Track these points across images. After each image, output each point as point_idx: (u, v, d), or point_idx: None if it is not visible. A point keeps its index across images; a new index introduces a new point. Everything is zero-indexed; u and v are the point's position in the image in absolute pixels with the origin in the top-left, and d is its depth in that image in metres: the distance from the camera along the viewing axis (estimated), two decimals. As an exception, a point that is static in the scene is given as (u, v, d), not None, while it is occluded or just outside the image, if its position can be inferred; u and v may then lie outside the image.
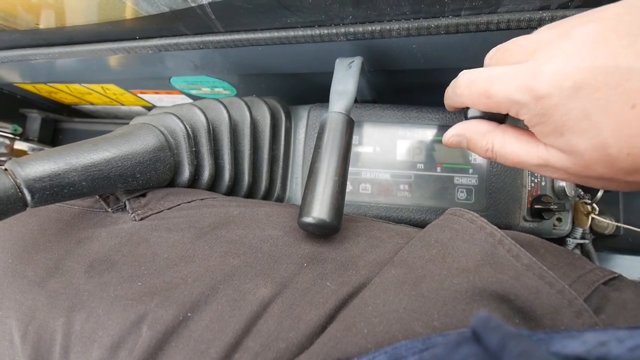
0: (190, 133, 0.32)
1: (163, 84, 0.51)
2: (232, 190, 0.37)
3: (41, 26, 0.38)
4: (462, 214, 0.26)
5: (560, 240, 0.42)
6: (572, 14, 0.27)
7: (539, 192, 0.38)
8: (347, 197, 0.38)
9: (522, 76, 0.21)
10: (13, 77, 0.53)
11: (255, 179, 0.38)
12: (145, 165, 0.29)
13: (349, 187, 0.39)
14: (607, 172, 0.20)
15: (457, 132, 0.27)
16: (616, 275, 0.24)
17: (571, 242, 0.41)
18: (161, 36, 0.37)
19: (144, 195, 0.31)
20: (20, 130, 0.65)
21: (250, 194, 0.39)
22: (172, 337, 0.22)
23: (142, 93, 0.56)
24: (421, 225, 0.34)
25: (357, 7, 0.29)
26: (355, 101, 0.40)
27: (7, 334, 0.26)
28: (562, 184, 0.38)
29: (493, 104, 0.23)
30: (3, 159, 0.61)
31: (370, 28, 0.31)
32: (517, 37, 0.23)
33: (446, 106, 0.28)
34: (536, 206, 0.37)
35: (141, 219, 0.29)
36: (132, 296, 0.24)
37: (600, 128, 0.19)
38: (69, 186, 0.25)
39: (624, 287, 0.23)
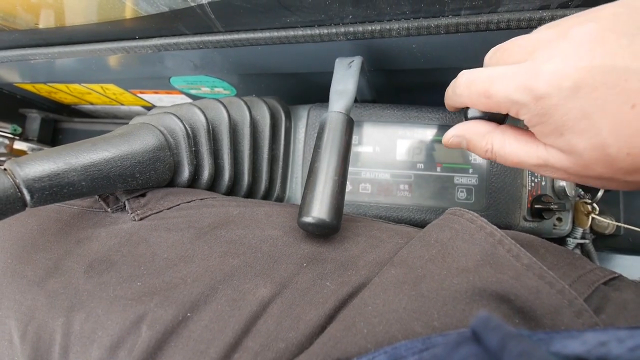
0: (190, 133, 0.32)
1: (163, 84, 0.51)
2: (232, 190, 0.37)
3: (41, 26, 0.38)
4: (462, 214, 0.26)
5: (561, 240, 0.42)
6: (572, 14, 0.27)
7: (539, 192, 0.38)
8: (347, 197, 0.38)
9: (522, 76, 0.21)
10: (13, 77, 0.53)
11: (255, 178, 0.38)
12: (144, 165, 0.29)
13: (348, 187, 0.39)
14: (607, 171, 0.20)
15: (457, 132, 0.27)
16: (616, 275, 0.24)
17: (571, 242, 0.41)
18: (161, 36, 0.37)
19: (143, 195, 0.31)
20: (19, 130, 0.65)
21: (250, 193, 0.39)
22: (172, 337, 0.22)
23: (141, 93, 0.56)
24: (421, 225, 0.34)
25: (357, 6, 0.29)
26: (355, 101, 0.40)
27: (7, 334, 0.26)
28: (562, 183, 0.38)
29: (493, 104, 0.23)
30: (2, 158, 0.61)
31: (370, 28, 0.31)
32: (516, 37, 0.23)
33: (446, 106, 0.28)
34: (536, 206, 0.37)
35: (141, 219, 0.29)
36: (132, 296, 0.24)
37: (600, 128, 0.19)
38: (69, 186, 0.25)
39: (624, 287, 0.23)
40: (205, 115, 0.33)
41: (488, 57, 0.25)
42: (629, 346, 0.13)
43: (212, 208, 0.30)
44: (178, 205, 0.30)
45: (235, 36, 0.34)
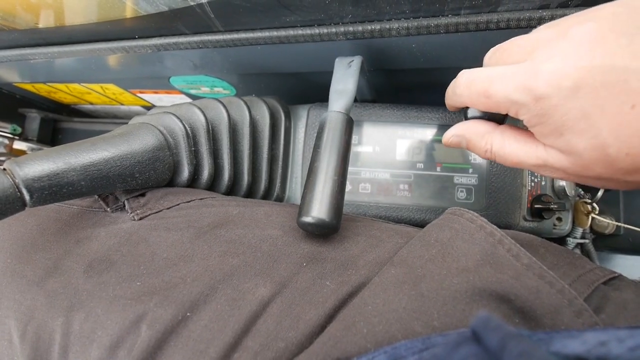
0: (190, 133, 0.32)
1: (162, 84, 0.51)
2: (232, 190, 0.37)
3: (40, 25, 0.37)
4: (462, 214, 0.26)
5: (561, 240, 0.42)
6: (572, 13, 0.27)
7: (539, 192, 0.38)
8: (347, 197, 0.38)
9: (521, 76, 0.21)
10: (12, 76, 0.53)
11: (255, 178, 0.38)
12: (144, 164, 0.29)
13: (348, 187, 0.39)
14: (606, 172, 0.20)
15: (456, 132, 0.27)
16: (616, 274, 0.24)
17: (571, 242, 0.41)
18: (160, 35, 0.37)
19: (143, 195, 0.31)
20: (19, 130, 0.65)
21: (250, 193, 0.39)
22: (171, 336, 0.22)
23: (141, 93, 0.56)
24: (421, 224, 0.34)
25: (357, 6, 0.29)
26: (355, 100, 0.40)
27: (6, 333, 0.26)
28: (562, 183, 0.38)
29: (492, 104, 0.23)
30: (2, 158, 0.61)
31: (369, 27, 0.31)
32: (515, 37, 0.23)
33: (447, 106, 0.28)
34: (536, 206, 0.37)
35: (140, 219, 0.29)
36: (131, 296, 0.24)
37: (599, 128, 0.19)
38: (68, 186, 0.25)
39: (624, 286, 0.23)
40: (204, 115, 0.33)
41: (487, 57, 0.25)
42: (629, 346, 0.13)
43: (212, 208, 0.29)
44: (178, 205, 0.30)
45: (235, 36, 0.34)
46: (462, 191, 0.38)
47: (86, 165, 0.26)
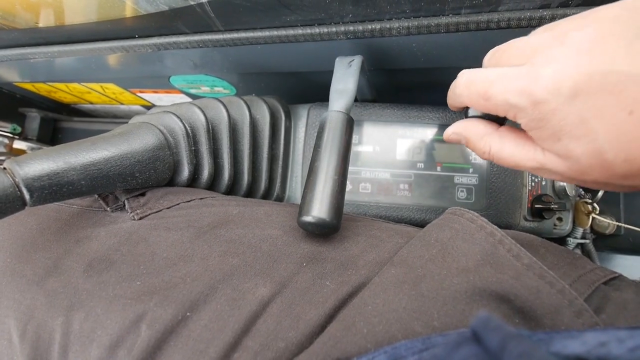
0: (190, 132, 0.32)
1: (162, 83, 0.50)
2: (232, 190, 0.37)
3: (40, 25, 0.37)
4: (462, 214, 0.26)
5: (561, 240, 0.42)
6: (573, 13, 0.27)
7: (539, 192, 0.38)
8: (347, 197, 0.38)
9: (520, 80, 0.21)
10: (12, 76, 0.53)
11: (255, 178, 0.38)
12: (144, 164, 0.29)
13: (348, 187, 0.39)
14: (603, 176, 0.20)
15: (456, 130, 0.27)
16: (617, 275, 0.24)
17: (572, 242, 0.41)
18: (160, 35, 0.37)
19: (143, 194, 0.31)
20: (19, 129, 0.65)
21: (250, 193, 0.39)
22: (171, 336, 0.22)
23: (141, 92, 0.56)
24: (421, 224, 0.34)
25: (357, 5, 0.29)
26: (355, 100, 0.40)
27: (6, 333, 0.26)
28: (563, 183, 0.38)
29: (491, 106, 0.23)
30: (2, 158, 0.61)
31: (370, 27, 0.31)
32: (514, 39, 0.23)
33: (449, 105, 0.28)
34: (537, 206, 0.37)
35: (140, 219, 0.29)
36: (131, 295, 0.24)
37: (597, 134, 0.19)
38: (68, 185, 0.25)
39: (625, 286, 0.23)
40: (205, 115, 0.33)
41: (487, 59, 0.25)
42: (629, 346, 0.13)
43: (212, 207, 0.29)
44: (177, 204, 0.30)
45: (235, 35, 0.34)
46: (462, 191, 0.38)
47: (86, 164, 0.26)
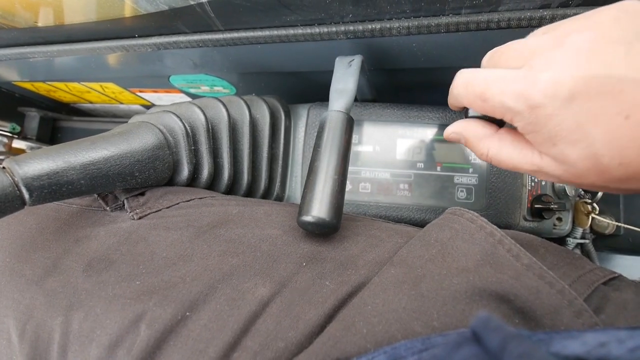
0: (189, 132, 0.32)
1: (162, 83, 0.50)
2: (231, 189, 0.37)
3: (40, 24, 0.37)
4: (462, 214, 0.26)
5: (561, 240, 0.42)
6: (573, 13, 0.27)
7: (539, 192, 0.38)
8: (347, 196, 0.38)
9: (518, 84, 0.20)
10: (11, 75, 0.53)
11: (255, 177, 0.38)
12: (144, 163, 0.29)
13: (348, 186, 0.39)
14: (599, 180, 0.20)
15: (456, 130, 0.27)
16: (616, 275, 0.24)
17: (571, 242, 0.41)
18: (160, 34, 0.37)
19: (142, 194, 0.31)
20: (18, 128, 0.65)
21: (250, 192, 0.38)
22: (171, 336, 0.22)
23: (141, 92, 0.56)
24: (421, 224, 0.34)
25: (357, 5, 0.29)
26: (355, 100, 0.40)
27: (5, 332, 0.26)
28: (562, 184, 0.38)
29: (488, 108, 0.23)
30: (1, 157, 0.61)
31: (370, 26, 0.31)
32: (513, 41, 0.23)
33: (449, 105, 0.28)
34: (536, 206, 0.37)
35: (140, 218, 0.29)
36: (131, 295, 0.24)
37: (593, 138, 0.19)
38: (67, 184, 0.25)
39: (624, 287, 0.23)
40: (204, 114, 0.33)
41: (485, 59, 0.25)
42: (629, 347, 0.13)
43: (212, 207, 0.29)
44: (177, 204, 0.30)
45: (235, 35, 0.34)
46: (462, 191, 0.38)
47: (86, 164, 0.26)
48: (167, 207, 0.30)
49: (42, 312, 0.25)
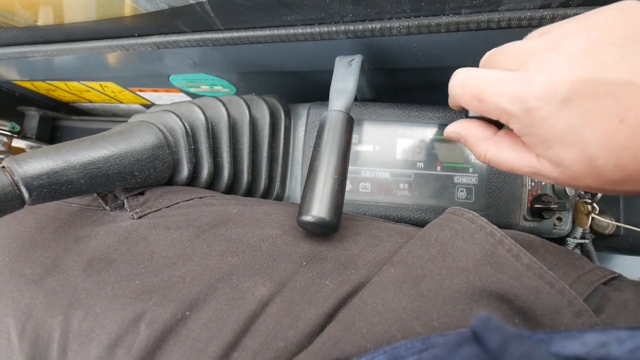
0: (189, 131, 0.32)
1: (162, 82, 0.50)
2: (231, 189, 0.37)
3: (39, 23, 0.37)
4: (462, 213, 0.26)
5: (561, 240, 0.42)
6: (574, 13, 0.27)
7: (539, 192, 0.38)
8: (347, 196, 0.38)
9: (513, 86, 0.20)
10: (11, 74, 0.53)
11: (255, 177, 0.38)
12: (143, 163, 0.29)
13: (348, 186, 0.39)
14: (595, 182, 0.20)
15: (456, 129, 0.27)
16: (616, 275, 0.24)
17: (571, 242, 0.41)
18: (160, 33, 0.37)
19: (142, 193, 0.31)
20: (18, 128, 0.65)
21: (249, 192, 0.38)
22: (171, 335, 0.22)
23: (140, 91, 0.56)
24: (421, 224, 0.34)
25: (357, 4, 0.29)
26: (355, 99, 0.40)
27: (5, 332, 0.26)
28: (562, 183, 0.38)
29: (485, 109, 0.23)
30: (1, 156, 0.61)
31: (370, 26, 0.31)
32: (510, 43, 0.23)
33: (449, 104, 0.28)
34: (536, 205, 0.37)
35: (139, 217, 0.29)
36: (130, 294, 0.24)
37: (588, 141, 0.19)
38: (67, 184, 0.25)
39: (624, 287, 0.23)
40: (204, 114, 0.33)
41: (484, 60, 0.25)
42: (629, 347, 0.13)
43: (211, 206, 0.29)
44: (177, 203, 0.30)
45: (235, 34, 0.34)
46: (462, 191, 0.38)
47: (85, 163, 0.26)
48: (167, 207, 0.30)
49: (41, 311, 0.25)
